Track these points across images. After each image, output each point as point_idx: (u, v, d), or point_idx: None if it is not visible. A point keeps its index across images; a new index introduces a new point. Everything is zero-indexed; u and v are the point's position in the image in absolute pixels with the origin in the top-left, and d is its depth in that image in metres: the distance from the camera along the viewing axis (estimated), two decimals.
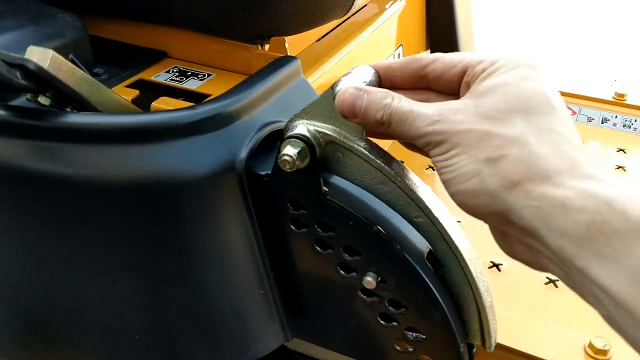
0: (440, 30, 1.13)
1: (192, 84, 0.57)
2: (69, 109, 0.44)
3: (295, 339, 0.52)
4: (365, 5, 0.87)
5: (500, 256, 0.79)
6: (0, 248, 0.48)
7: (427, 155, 0.38)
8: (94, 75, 0.57)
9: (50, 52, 0.41)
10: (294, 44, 0.66)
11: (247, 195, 0.45)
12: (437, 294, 0.42)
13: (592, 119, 1.13)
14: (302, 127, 0.41)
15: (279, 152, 0.41)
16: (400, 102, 0.37)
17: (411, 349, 0.46)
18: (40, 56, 0.40)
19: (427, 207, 0.41)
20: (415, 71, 0.40)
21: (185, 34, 0.61)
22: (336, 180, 0.43)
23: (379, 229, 0.42)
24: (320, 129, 0.41)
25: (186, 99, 0.53)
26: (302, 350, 0.54)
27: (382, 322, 0.46)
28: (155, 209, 0.43)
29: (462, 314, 0.45)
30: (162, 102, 0.51)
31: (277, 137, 0.46)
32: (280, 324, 0.50)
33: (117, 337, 0.47)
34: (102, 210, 0.43)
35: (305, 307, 0.49)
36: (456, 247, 0.42)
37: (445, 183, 0.35)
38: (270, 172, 0.44)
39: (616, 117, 1.12)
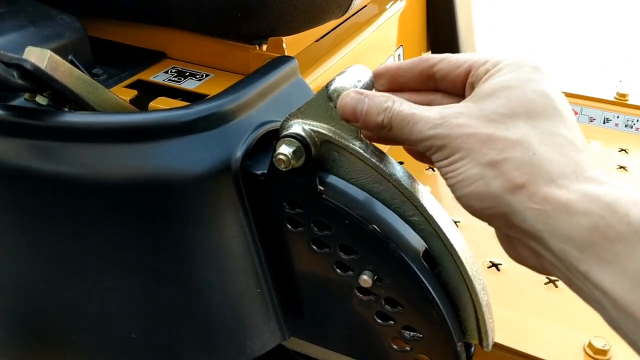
0: (441, 30, 1.13)
1: (190, 84, 0.58)
2: (66, 109, 0.44)
3: (293, 338, 0.52)
4: (365, 5, 0.87)
5: (500, 256, 0.79)
6: None
7: (430, 162, 0.37)
8: (93, 75, 0.57)
9: (48, 53, 0.41)
10: (292, 44, 0.66)
11: (243, 195, 0.45)
12: (433, 292, 0.42)
13: (594, 119, 1.13)
14: (298, 127, 0.41)
15: (275, 151, 0.41)
16: (402, 106, 0.36)
17: (408, 348, 0.46)
18: (38, 56, 0.41)
19: (422, 205, 0.41)
20: (422, 71, 0.40)
21: (184, 35, 0.62)
22: (332, 179, 0.43)
23: (374, 227, 0.42)
24: (315, 128, 0.41)
25: (184, 99, 0.54)
26: (300, 349, 0.54)
27: (378, 320, 0.46)
28: (151, 208, 0.43)
29: (458, 312, 0.45)
30: (160, 102, 0.52)
31: (274, 137, 0.46)
32: (278, 323, 0.50)
33: (113, 336, 0.47)
34: (98, 209, 0.43)
35: (302, 306, 0.49)
36: (451, 246, 0.42)
37: (451, 187, 0.35)
38: (266, 171, 0.44)
39: (618, 117, 1.11)
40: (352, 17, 0.84)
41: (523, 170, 0.32)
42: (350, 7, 0.65)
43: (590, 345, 0.61)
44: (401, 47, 1.02)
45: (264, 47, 0.60)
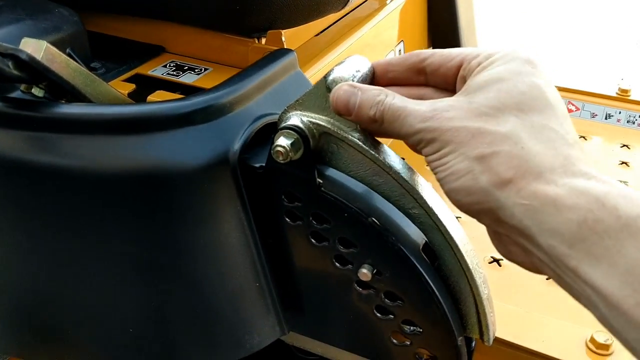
0: (442, 26, 1.12)
1: (188, 78, 0.57)
2: (63, 101, 0.43)
3: (292, 333, 0.51)
4: (366, 0, 0.87)
5: None
6: None
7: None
8: (91, 69, 0.57)
9: (44, 44, 0.41)
10: (292, 38, 0.66)
11: (241, 188, 0.44)
12: (433, 285, 0.42)
13: (596, 114, 1.12)
14: (296, 118, 0.41)
15: (273, 143, 0.41)
16: (394, 99, 0.36)
17: (408, 342, 0.46)
18: (34, 47, 0.40)
19: (422, 198, 0.41)
20: (413, 65, 0.40)
21: (183, 29, 0.61)
22: (330, 172, 0.42)
23: (373, 220, 0.41)
24: (313, 120, 0.41)
25: (182, 93, 0.53)
26: (300, 344, 0.54)
27: (378, 315, 0.45)
28: (148, 201, 0.43)
29: (459, 306, 0.44)
30: (158, 96, 0.51)
31: (272, 130, 0.46)
32: (277, 317, 0.49)
33: (112, 330, 0.47)
34: (94, 202, 0.43)
35: (301, 301, 0.49)
36: (452, 238, 0.41)
37: (440, 182, 0.35)
38: (264, 164, 0.43)
39: (620, 112, 1.11)
40: (353, 12, 0.83)
41: (511, 165, 0.32)
42: (350, 1, 0.65)
43: (592, 340, 0.61)
44: (402, 43, 1.02)
45: (263, 40, 0.59)
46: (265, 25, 0.58)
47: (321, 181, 0.42)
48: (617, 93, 1.11)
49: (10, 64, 0.37)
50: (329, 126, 0.41)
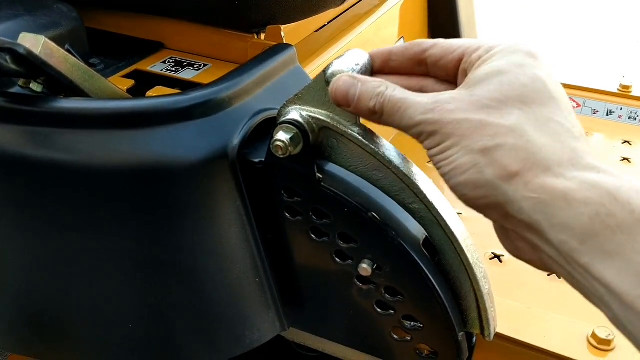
0: (443, 22, 1.12)
1: (187, 74, 0.57)
2: (61, 96, 0.43)
3: (293, 329, 0.51)
4: None
5: (502, 248, 0.78)
6: None
7: None
8: (90, 65, 0.57)
9: (42, 39, 0.41)
10: (291, 34, 0.65)
11: (240, 183, 0.44)
12: (433, 280, 0.41)
13: (597, 111, 1.12)
14: (295, 113, 0.41)
15: (272, 137, 0.41)
16: (395, 91, 0.35)
17: (408, 338, 0.46)
18: (32, 42, 0.40)
19: (422, 192, 0.41)
20: (414, 55, 0.39)
21: (182, 25, 0.61)
22: (330, 167, 0.42)
23: (373, 215, 0.41)
24: (313, 114, 0.41)
25: (182, 89, 0.53)
26: (300, 340, 0.54)
27: (378, 310, 0.45)
28: (147, 195, 0.42)
29: (460, 301, 0.44)
30: (157, 92, 0.51)
31: (272, 126, 0.45)
32: (277, 313, 0.49)
33: (110, 326, 0.47)
34: (93, 196, 0.43)
35: (301, 296, 0.49)
36: (452, 233, 0.41)
37: (444, 177, 0.34)
38: (263, 159, 0.43)
39: (621, 109, 1.10)
40: (353, 8, 0.83)
41: (517, 158, 0.31)
42: None
43: (593, 335, 0.61)
44: (402, 39, 1.02)
45: (262, 36, 0.59)
46: (264, 20, 0.58)
47: (321, 176, 0.42)
48: (618, 89, 1.11)
49: (8, 58, 0.37)
50: (328, 120, 0.40)
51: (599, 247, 0.29)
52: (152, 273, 0.45)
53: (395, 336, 0.46)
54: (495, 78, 0.33)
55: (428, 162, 0.97)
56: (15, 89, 0.46)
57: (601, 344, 0.60)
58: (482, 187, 0.32)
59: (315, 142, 0.41)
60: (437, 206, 0.41)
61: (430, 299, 0.42)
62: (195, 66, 0.59)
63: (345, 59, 0.39)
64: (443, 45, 0.38)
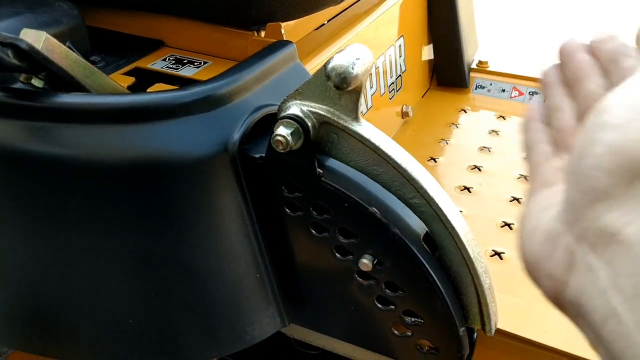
0: (443, 21, 1.12)
1: (188, 72, 0.57)
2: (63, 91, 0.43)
3: (293, 325, 0.51)
4: None
5: (502, 245, 0.78)
6: None
7: None
8: (91, 63, 0.57)
9: (44, 34, 0.41)
10: (291, 32, 0.65)
11: (241, 178, 0.44)
12: (434, 275, 0.41)
13: None
14: (296, 108, 0.41)
15: (272, 132, 0.41)
16: None
17: (409, 333, 0.46)
18: (34, 38, 0.40)
19: (422, 187, 0.41)
20: None
21: (182, 23, 0.61)
22: (331, 162, 0.42)
23: (374, 210, 0.41)
24: (313, 109, 0.41)
25: (182, 86, 0.53)
26: (300, 337, 0.54)
27: (379, 305, 0.45)
28: (147, 190, 0.42)
29: (460, 297, 0.44)
30: (157, 89, 0.51)
31: (272, 121, 0.45)
32: (277, 309, 0.49)
33: (111, 322, 0.47)
34: (94, 191, 0.43)
35: (302, 292, 0.49)
36: (452, 228, 0.41)
37: None
38: (264, 154, 0.43)
39: None
40: (353, 7, 0.83)
41: None
42: None
43: None
44: (402, 38, 1.02)
45: (262, 33, 0.59)
46: (264, 17, 0.58)
47: (321, 171, 0.42)
48: None
49: (9, 52, 0.37)
50: (328, 115, 0.40)
51: None
52: (152, 268, 0.45)
53: (395, 332, 0.46)
54: None
55: (428, 160, 0.97)
56: (17, 85, 0.46)
57: None
58: None
59: (315, 137, 0.42)
60: (437, 201, 0.41)
61: (430, 294, 0.42)
62: (196, 64, 0.59)
63: (346, 54, 0.39)
64: None
